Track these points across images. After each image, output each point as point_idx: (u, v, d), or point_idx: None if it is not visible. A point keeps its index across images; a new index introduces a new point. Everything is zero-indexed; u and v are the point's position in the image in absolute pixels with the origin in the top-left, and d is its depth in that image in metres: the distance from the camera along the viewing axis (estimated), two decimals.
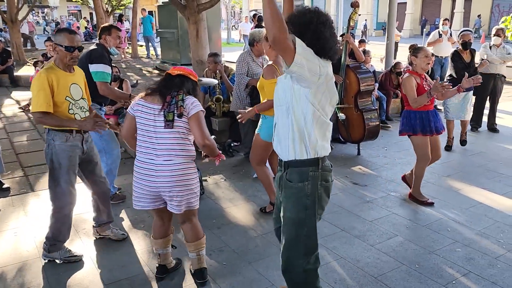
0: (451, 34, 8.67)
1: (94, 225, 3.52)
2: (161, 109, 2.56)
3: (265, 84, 3.57)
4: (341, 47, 5.51)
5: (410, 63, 4.19)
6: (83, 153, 3.16)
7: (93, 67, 3.73)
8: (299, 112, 2.10)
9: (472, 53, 6.11)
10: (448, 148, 5.97)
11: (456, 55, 6.07)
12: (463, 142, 6.10)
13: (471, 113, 6.25)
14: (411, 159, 5.41)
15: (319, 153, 2.17)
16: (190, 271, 3.03)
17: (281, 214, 2.28)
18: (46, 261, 3.19)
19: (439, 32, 8.66)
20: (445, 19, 8.76)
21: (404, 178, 4.57)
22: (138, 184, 2.67)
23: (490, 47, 6.67)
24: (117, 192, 4.30)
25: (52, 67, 2.99)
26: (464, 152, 5.86)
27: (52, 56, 8.35)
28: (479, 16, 27.87)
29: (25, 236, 3.60)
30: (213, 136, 2.79)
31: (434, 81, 3.91)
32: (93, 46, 3.93)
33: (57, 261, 3.17)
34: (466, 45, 5.97)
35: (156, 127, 2.57)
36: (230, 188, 4.63)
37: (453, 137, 6.03)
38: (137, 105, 2.63)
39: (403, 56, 9.34)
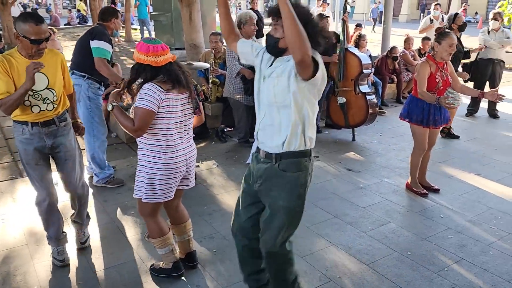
0: (442, 19, 8.49)
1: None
2: (190, 98, 2.58)
3: None
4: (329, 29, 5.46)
5: (432, 48, 3.88)
6: (46, 148, 2.84)
7: (94, 43, 3.77)
8: (302, 106, 2.11)
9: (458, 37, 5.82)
10: (449, 134, 5.76)
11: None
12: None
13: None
14: (406, 145, 5.38)
15: (312, 143, 2.23)
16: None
17: (266, 202, 2.29)
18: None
19: (430, 17, 8.51)
20: (436, 4, 8.57)
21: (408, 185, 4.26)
22: (173, 175, 2.58)
23: (488, 32, 6.57)
24: (113, 176, 4.24)
25: (13, 53, 2.69)
26: (459, 138, 5.81)
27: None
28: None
29: (12, 223, 3.54)
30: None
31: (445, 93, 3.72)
32: (94, 26, 3.97)
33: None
34: (463, 27, 5.72)
35: (186, 115, 2.59)
36: (222, 174, 4.57)
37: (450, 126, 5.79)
38: (166, 101, 2.45)
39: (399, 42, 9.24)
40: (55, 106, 2.83)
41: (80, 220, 3.18)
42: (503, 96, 3.63)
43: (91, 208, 3.78)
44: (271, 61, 2.20)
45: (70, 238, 3.22)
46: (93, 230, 3.42)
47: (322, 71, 2.08)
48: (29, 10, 27.02)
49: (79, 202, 3.12)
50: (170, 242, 2.78)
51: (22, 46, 2.66)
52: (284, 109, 2.11)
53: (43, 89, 2.76)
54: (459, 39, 5.75)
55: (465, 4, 8.79)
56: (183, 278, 2.84)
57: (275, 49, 2.14)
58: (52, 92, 2.80)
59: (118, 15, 4.04)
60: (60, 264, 2.97)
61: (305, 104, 2.11)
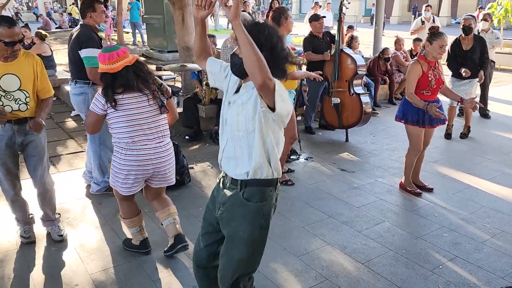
0: (433, 21, 8.58)
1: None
2: (153, 97, 2.76)
3: None
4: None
5: (424, 47, 3.87)
6: (15, 144, 2.97)
7: (83, 52, 3.59)
8: (267, 136, 1.97)
9: (476, 40, 5.66)
10: (448, 136, 5.80)
11: (454, 42, 5.69)
12: (463, 135, 5.83)
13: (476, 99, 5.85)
14: (399, 145, 5.41)
15: (279, 172, 2.07)
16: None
17: (226, 232, 2.11)
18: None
19: (421, 19, 8.58)
20: (427, 5, 8.65)
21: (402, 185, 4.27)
22: (134, 171, 2.79)
23: (478, 33, 6.64)
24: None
25: None
26: (452, 138, 5.86)
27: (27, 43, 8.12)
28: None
29: (5, 226, 3.50)
30: None
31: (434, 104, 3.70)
32: (78, 29, 3.75)
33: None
34: (466, 30, 5.60)
35: (149, 113, 2.76)
36: (217, 176, 4.57)
37: (452, 125, 5.85)
38: (121, 100, 2.68)
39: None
40: (29, 107, 2.94)
41: (47, 217, 3.26)
42: (480, 104, 3.80)
43: (86, 211, 3.78)
44: (236, 86, 2.06)
45: (42, 237, 3.21)
46: (88, 232, 3.41)
47: (283, 100, 1.87)
48: (20, 15, 26.77)
49: (43, 198, 3.22)
50: (138, 224, 3.08)
51: None
52: (247, 140, 1.97)
53: (15, 90, 2.86)
54: (477, 41, 5.66)
55: (480, 8, 8.61)
56: (178, 279, 2.84)
57: (241, 70, 1.93)
58: (24, 93, 2.90)
59: (95, 7, 3.65)
60: (26, 241, 3.22)
61: (269, 134, 1.96)
